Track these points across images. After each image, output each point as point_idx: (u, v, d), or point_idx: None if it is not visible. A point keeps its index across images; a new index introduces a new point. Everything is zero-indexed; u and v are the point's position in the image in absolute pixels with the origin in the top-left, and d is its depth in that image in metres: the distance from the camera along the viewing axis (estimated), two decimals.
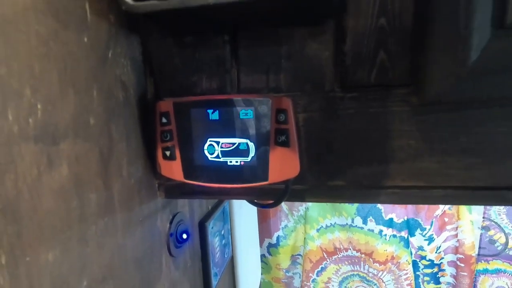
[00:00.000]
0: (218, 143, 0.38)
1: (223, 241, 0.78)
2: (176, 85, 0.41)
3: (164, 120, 0.39)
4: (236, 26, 0.38)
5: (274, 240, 1.54)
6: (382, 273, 1.42)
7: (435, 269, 1.37)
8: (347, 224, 1.42)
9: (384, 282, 1.44)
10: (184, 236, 0.53)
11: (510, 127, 0.34)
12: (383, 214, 1.35)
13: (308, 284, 1.54)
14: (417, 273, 1.40)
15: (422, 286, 1.41)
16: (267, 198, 0.43)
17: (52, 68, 0.27)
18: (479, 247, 1.24)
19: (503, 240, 1.20)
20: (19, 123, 0.24)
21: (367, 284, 1.50)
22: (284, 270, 1.58)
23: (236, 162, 0.38)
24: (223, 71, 0.40)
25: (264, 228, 1.52)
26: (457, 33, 0.29)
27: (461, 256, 1.28)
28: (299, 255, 1.56)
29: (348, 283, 1.53)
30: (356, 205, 1.37)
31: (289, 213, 1.49)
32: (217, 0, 0.28)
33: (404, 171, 0.38)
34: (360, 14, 0.35)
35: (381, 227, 1.36)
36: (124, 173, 0.37)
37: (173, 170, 0.40)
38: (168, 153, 0.40)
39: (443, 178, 0.37)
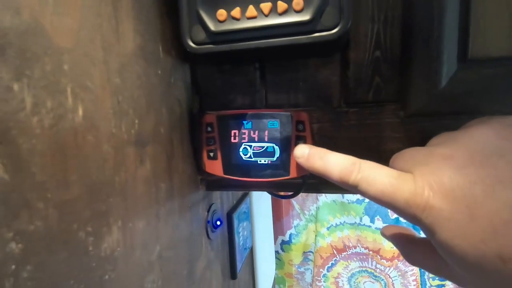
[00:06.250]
0: (250, 146, 0.50)
1: (245, 233, 0.89)
2: (217, 102, 0.53)
3: (209, 129, 0.51)
4: (264, 58, 0.50)
5: (287, 237, 1.64)
6: (389, 269, 1.50)
7: None
8: (355, 222, 1.51)
9: (391, 278, 1.52)
10: (218, 223, 0.64)
11: None
12: (390, 214, 1.44)
13: (319, 279, 1.64)
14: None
15: (427, 282, 1.48)
16: (287, 190, 0.54)
17: (142, 94, 0.39)
18: None
19: None
20: (127, 133, 0.36)
21: (374, 279, 1.58)
22: (296, 266, 1.67)
23: (265, 161, 0.49)
24: (254, 91, 0.51)
25: (278, 227, 1.62)
26: (430, 63, 0.40)
27: None
28: (311, 252, 1.65)
29: (357, 278, 1.61)
30: (364, 204, 1.47)
31: (301, 213, 1.59)
32: (257, 45, 0.40)
33: None
34: (360, 49, 0.46)
35: None
36: (180, 170, 0.49)
37: (215, 167, 0.51)
38: (211, 154, 0.51)
39: None
